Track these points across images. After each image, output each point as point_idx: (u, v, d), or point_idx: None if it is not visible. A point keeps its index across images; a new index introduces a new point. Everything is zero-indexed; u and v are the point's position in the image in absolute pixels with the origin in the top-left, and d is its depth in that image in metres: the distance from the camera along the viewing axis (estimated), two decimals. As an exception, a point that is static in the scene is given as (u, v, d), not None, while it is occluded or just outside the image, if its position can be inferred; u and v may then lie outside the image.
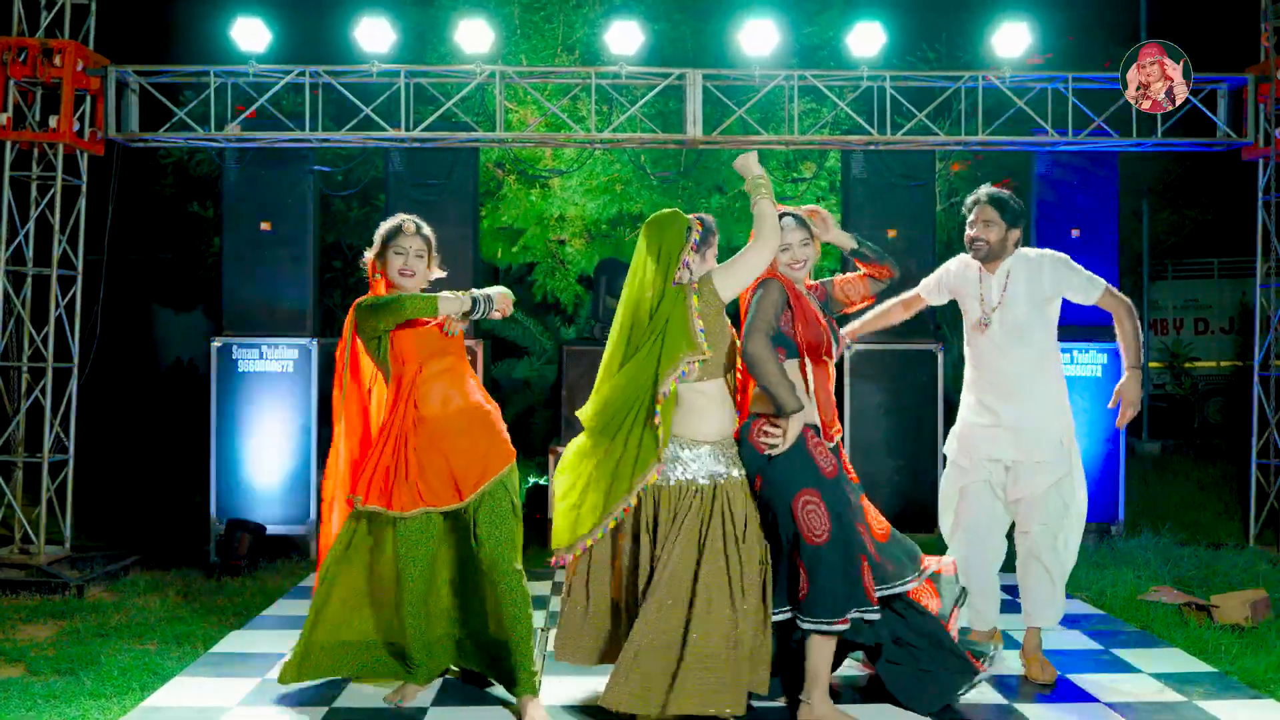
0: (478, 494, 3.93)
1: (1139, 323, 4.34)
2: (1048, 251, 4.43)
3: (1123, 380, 4.32)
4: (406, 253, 4.06)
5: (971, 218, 4.44)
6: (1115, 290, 4.35)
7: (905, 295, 4.74)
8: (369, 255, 4.17)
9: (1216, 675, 4.53)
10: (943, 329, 13.30)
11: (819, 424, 3.93)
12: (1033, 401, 4.34)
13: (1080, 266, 4.39)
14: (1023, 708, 4.12)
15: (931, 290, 4.69)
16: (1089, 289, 4.33)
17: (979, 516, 4.48)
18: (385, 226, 4.14)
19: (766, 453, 3.80)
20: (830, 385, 4.04)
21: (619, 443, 3.86)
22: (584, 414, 3.95)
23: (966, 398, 4.56)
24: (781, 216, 4.01)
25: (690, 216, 3.97)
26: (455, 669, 4.35)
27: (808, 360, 3.93)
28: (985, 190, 4.45)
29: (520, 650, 3.92)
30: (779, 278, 3.97)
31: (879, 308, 4.70)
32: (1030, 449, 4.33)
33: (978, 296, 4.44)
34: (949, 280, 4.62)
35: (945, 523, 4.64)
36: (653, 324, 3.87)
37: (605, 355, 4.00)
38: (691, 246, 3.90)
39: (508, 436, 4.10)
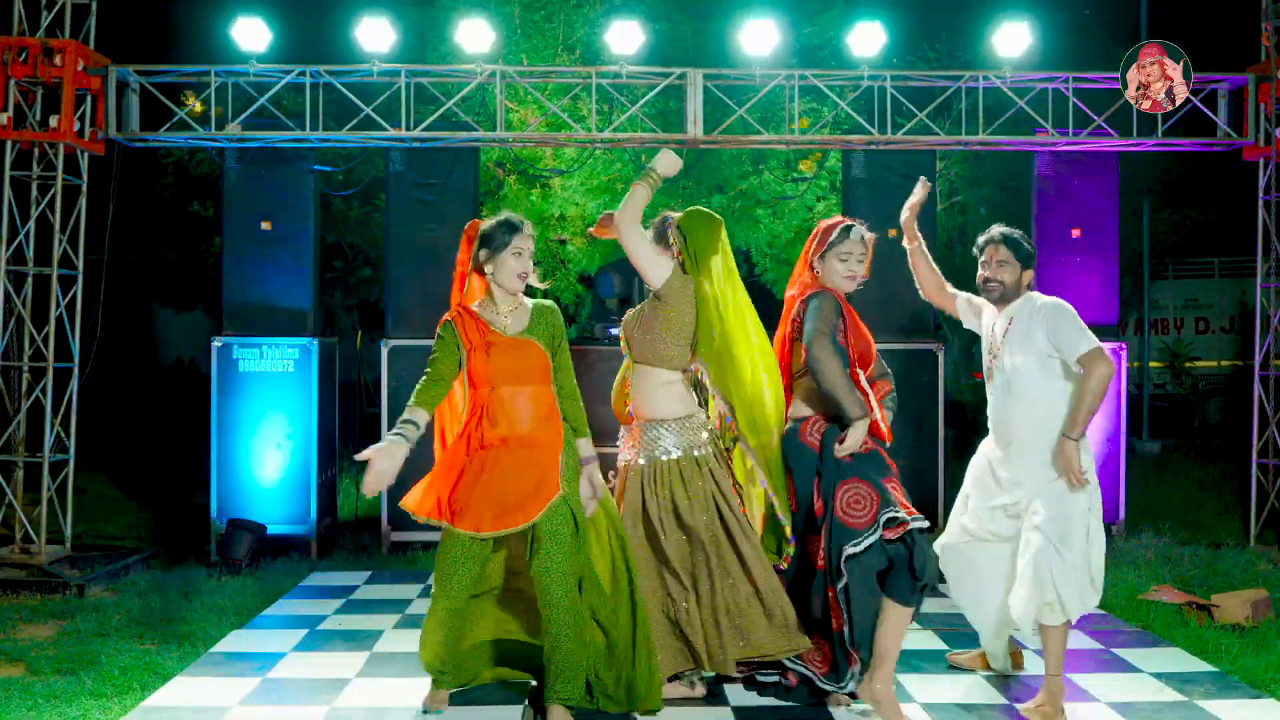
0: (529, 523, 3.74)
1: (1101, 396, 3.92)
2: (1052, 300, 4.11)
3: (1057, 448, 3.98)
4: (523, 254, 3.85)
5: (984, 258, 4.21)
6: (1105, 354, 3.94)
7: (950, 287, 4.54)
8: (466, 253, 3.94)
9: (1217, 675, 4.53)
10: (943, 329, 13.32)
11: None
12: (1024, 461, 4.06)
13: (1078, 320, 4.03)
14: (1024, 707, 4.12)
15: (967, 305, 4.47)
16: (1076, 344, 3.94)
17: (981, 567, 4.26)
18: (497, 222, 3.89)
19: (838, 455, 3.89)
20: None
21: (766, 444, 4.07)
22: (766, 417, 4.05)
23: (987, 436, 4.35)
24: (850, 228, 4.10)
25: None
26: (488, 678, 4.23)
27: (859, 371, 4.00)
28: (998, 230, 4.22)
29: (562, 662, 3.80)
30: (829, 289, 4.04)
31: (928, 265, 4.53)
32: (1017, 497, 4.10)
33: (988, 342, 4.24)
34: (979, 313, 4.41)
35: (940, 539, 4.42)
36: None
37: (748, 350, 4.05)
38: None
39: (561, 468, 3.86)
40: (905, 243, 4.50)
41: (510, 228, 3.86)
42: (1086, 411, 3.92)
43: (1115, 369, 3.99)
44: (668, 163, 4.06)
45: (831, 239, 4.09)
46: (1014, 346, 4.09)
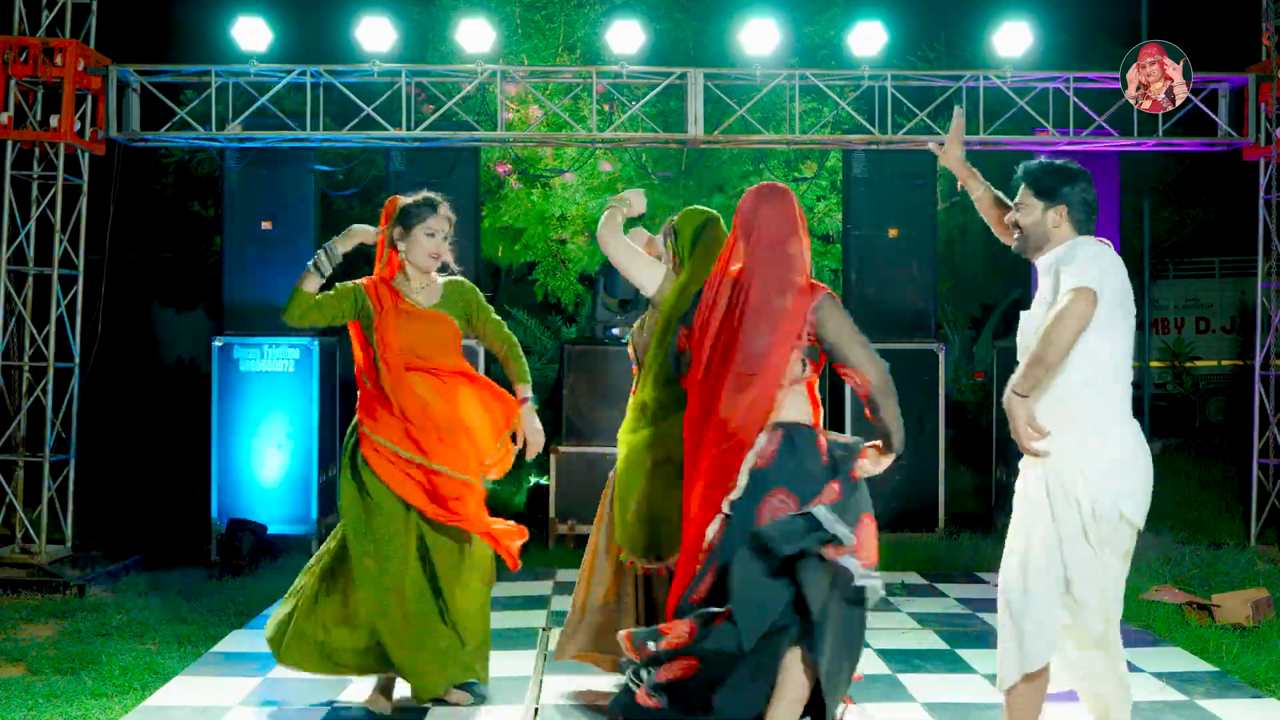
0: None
1: (1061, 341, 3.00)
2: (1096, 242, 3.22)
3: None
4: (436, 234, 3.74)
5: (1015, 203, 3.40)
6: (1092, 296, 3.00)
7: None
8: (380, 231, 3.84)
9: (1217, 674, 4.53)
10: (943, 329, 13.31)
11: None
12: (1056, 452, 3.15)
13: (1099, 260, 3.11)
14: (1024, 707, 4.11)
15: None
16: (1073, 276, 3.04)
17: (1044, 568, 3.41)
18: (410, 201, 3.80)
19: None
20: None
21: None
22: None
23: None
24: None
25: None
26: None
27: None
28: (1021, 165, 3.37)
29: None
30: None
31: (997, 205, 3.57)
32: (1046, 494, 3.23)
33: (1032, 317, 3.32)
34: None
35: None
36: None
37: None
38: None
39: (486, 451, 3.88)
40: (961, 185, 3.66)
41: (426, 206, 3.78)
42: (1035, 360, 3.02)
43: (1091, 314, 3.00)
44: (637, 204, 4.06)
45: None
46: (1042, 304, 3.19)
